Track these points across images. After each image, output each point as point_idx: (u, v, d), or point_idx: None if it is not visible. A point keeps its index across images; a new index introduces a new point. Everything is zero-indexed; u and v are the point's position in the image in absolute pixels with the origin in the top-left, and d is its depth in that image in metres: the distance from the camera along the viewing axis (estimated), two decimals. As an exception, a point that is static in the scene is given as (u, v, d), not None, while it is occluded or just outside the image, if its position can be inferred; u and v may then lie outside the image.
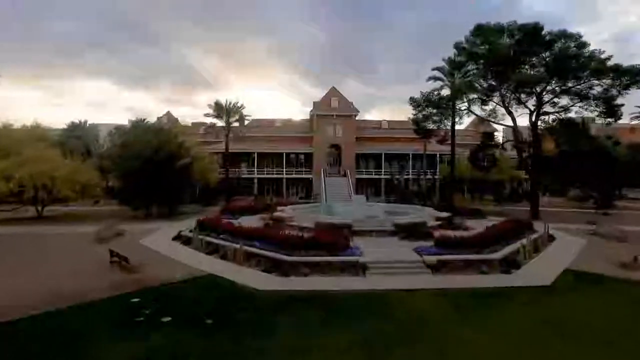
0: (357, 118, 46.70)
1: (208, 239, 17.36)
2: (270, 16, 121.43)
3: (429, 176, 40.94)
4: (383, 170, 45.12)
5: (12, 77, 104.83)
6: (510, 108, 28.32)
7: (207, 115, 31.85)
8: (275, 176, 44.84)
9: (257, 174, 44.44)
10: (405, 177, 42.35)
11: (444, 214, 21.60)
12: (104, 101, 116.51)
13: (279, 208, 24.77)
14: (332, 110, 45.22)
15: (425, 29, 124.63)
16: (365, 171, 46.22)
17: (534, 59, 26.69)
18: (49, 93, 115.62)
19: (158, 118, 59.91)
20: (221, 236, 17.44)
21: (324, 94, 46.77)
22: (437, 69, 32.43)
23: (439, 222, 20.67)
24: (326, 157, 45.15)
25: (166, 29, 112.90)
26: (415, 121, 31.46)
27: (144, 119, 45.64)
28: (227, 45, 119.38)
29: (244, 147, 43.56)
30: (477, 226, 21.75)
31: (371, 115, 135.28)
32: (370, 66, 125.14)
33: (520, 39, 25.59)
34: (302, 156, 46.78)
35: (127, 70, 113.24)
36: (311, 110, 46.73)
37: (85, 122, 46.89)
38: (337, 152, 45.60)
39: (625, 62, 25.13)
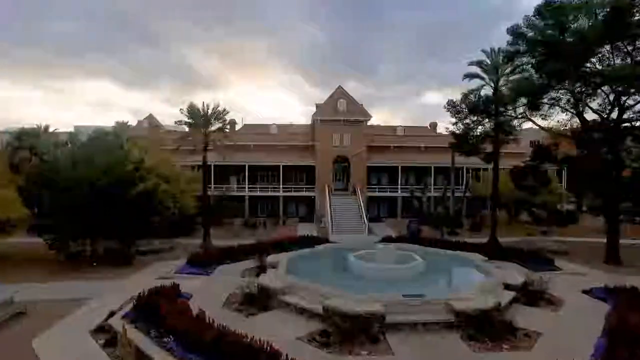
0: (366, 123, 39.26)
1: (141, 344, 10.24)
2: (270, 16, 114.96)
3: (457, 194, 33.60)
4: (399, 186, 37.66)
5: (12, 77, 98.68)
6: (584, 114, 21.04)
7: (178, 122, 24.60)
8: (270, 194, 37.43)
9: (249, 191, 37.03)
10: (428, 194, 35.05)
11: (517, 280, 14.39)
12: (103, 101, 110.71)
13: (270, 257, 17.59)
14: (339, 114, 37.74)
15: (425, 29, 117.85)
16: (379, 188, 38.73)
17: (619, 44, 19.59)
18: (49, 93, 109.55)
19: (139, 121, 53.22)
20: (165, 340, 10.35)
21: (329, 95, 39.31)
22: (477, 63, 25.36)
23: (513, 294, 13.52)
24: (332, 170, 37.79)
25: (166, 29, 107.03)
26: (455, 133, 24.15)
27: (127, 122, 38.89)
28: (227, 45, 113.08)
29: (231, 159, 36.15)
30: (562, 293, 14.60)
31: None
32: (370, 66, 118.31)
33: (606, 19, 18.35)
34: (302, 171, 39.21)
35: (127, 70, 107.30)
36: (314, 114, 39.25)
37: (47, 127, 39.37)
38: (344, 164, 38.21)
39: None
